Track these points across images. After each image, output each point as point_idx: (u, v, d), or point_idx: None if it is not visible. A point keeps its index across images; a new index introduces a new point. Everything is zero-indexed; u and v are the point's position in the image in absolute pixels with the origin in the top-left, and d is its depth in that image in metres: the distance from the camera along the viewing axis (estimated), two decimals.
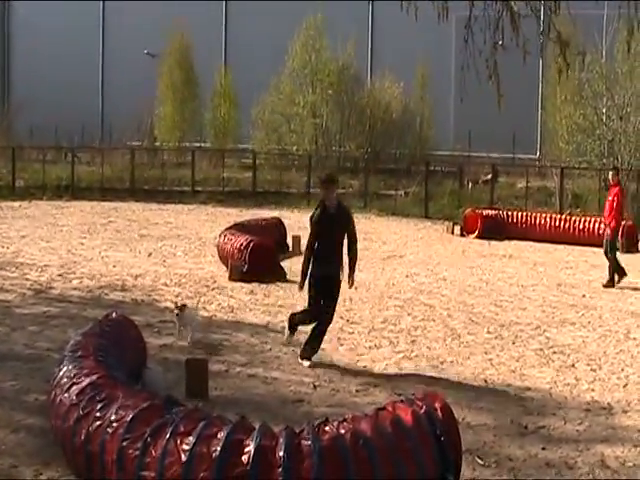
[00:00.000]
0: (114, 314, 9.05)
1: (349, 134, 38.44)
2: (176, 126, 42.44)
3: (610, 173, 17.21)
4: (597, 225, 22.86)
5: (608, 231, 16.32)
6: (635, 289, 15.84)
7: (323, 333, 10.03)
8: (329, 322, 10.08)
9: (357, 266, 10.38)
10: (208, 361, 8.90)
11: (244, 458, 5.33)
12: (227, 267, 15.57)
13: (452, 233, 23.99)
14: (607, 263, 16.32)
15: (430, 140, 40.01)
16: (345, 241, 10.01)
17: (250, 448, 5.37)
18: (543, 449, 7.48)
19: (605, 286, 15.92)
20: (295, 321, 10.39)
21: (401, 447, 5.72)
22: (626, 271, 16.21)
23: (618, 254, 16.59)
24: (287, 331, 10.51)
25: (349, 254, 10.05)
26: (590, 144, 31.72)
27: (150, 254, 18.04)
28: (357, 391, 8.90)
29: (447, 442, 5.94)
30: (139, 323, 9.90)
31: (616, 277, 16.08)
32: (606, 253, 16.32)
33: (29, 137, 41.47)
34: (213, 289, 14.31)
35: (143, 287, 14.25)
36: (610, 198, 16.38)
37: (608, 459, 7.35)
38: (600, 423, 8.26)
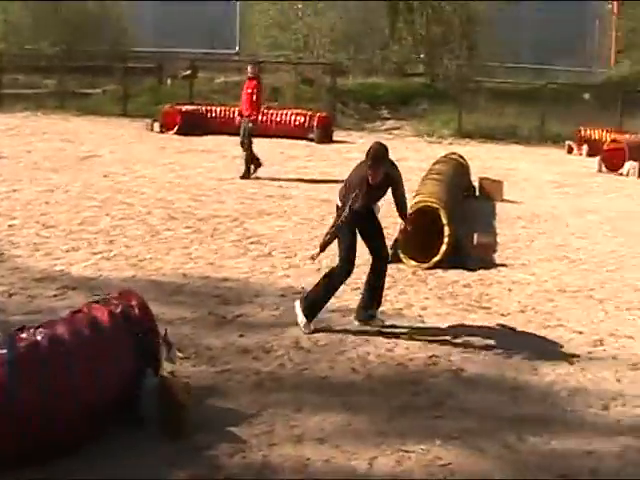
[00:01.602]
0: None
1: (43, 31, 36.66)
2: None
3: (249, 66, 16.87)
4: (294, 117, 23.57)
5: (248, 122, 16.14)
6: (325, 181, 16.34)
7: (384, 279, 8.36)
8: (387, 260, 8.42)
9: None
10: None
11: None
12: None
13: (151, 130, 23.72)
14: (244, 154, 16.29)
15: (129, 36, 38.94)
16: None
17: None
18: (241, 336, 7.75)
19: (242, 177, 16.00)
20: (319, 298, 8.06)
21: (99, 347, 5.74)
22: (262, 162, 16.44)
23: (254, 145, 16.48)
24: (303, 318, 8.04)
25: (398, 205, 8.21)
26: (287, 38, 32.25)
27: None
28: (54, 296, 8.71)
29: (145, 338, 6.02)
30: None
31: (252, 168, 16.26)
32: (242, 144, 16.28)
33: None
34: None
35: None
36: (249, 91, 16.21)
37: (302, 340, 7.75)
38: (294, 307, 8.63)
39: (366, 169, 7.72)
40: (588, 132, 23.41)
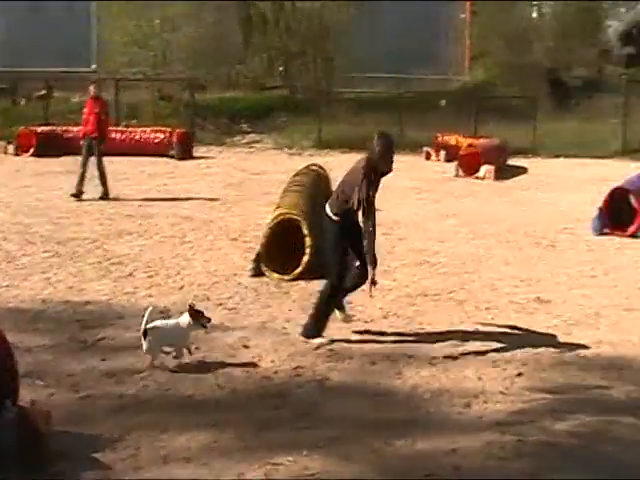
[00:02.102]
0: None
1: None
2: None
3: (91, 86, 16.64)
4: (153, 135, 23.39)
5: (99, 144, 15.96)
6: (186, 198, 16.23)
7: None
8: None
9: None
10: None
11: None
12: None
13: (6, 153, 23.19)
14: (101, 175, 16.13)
15: None
16: None
17: None
18: (103, 360, 7.59)
19: (101, 198, 15.85)
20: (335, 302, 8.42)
21: None
22: (82, 194, 15.95)
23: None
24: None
25: None
26: (144, 55, 31.99)
27: None
28: None
29: (0, 368, 5.85)
30: None
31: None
32: (84, 165, 16.02)
33: None
34: None
35: None
36: (97, 111, 15.97)
37: (166, 360, 7.59)
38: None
39: (375, 160, 8.20)
40: (445, 138, 23.97)
